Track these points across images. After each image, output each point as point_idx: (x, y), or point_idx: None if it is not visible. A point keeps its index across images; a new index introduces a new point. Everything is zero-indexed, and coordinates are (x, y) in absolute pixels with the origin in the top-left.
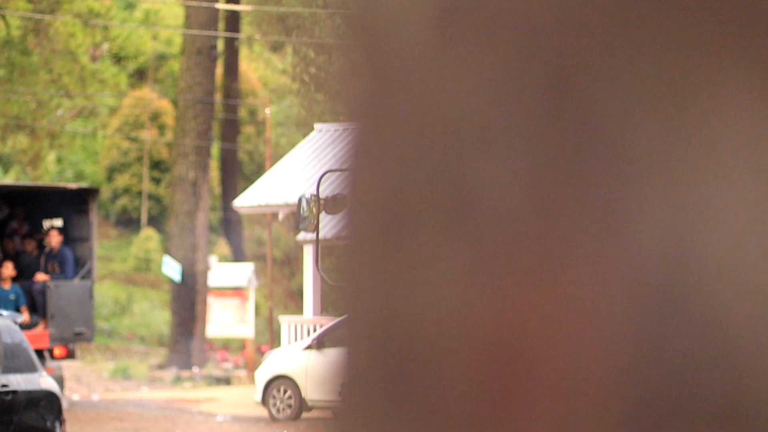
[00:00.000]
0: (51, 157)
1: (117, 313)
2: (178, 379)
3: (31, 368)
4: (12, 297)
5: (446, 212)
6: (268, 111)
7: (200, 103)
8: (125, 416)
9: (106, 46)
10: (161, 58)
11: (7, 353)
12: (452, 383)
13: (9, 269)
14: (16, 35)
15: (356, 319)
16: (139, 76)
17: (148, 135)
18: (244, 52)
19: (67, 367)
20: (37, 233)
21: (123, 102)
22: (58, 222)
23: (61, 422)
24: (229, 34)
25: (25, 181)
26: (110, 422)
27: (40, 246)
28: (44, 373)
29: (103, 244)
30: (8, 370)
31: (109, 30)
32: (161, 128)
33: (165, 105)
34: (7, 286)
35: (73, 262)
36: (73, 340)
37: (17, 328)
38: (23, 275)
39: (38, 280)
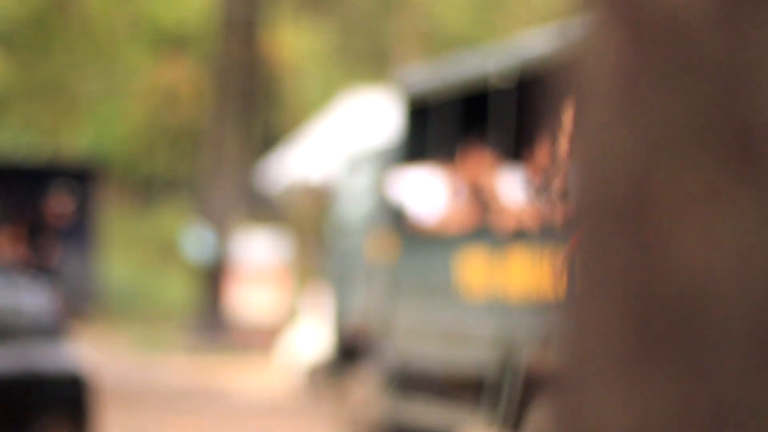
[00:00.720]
0: (78, 130)
1: (140, 290)
2: (203, 358)
3: (59, 345)
4: None
5: (727, 157)
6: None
7: (237, 75)
8: (150, 395)
9: (135, 21)
10: (192, 32)
11: (37, 328)
12: (732, 342)
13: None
14: (43, 11)
15: (600, 284)
16: (173, 46)
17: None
18: (278, 25)
19: (93, 341)
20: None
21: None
22: (59, 201)
23: (90, 399)
24: (264, 8)
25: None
26: (137, 403)
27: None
28: (74, 350)
29: (128, 219)
30: (35, 345)
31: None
32: (193, 102)
33: (198, 78)
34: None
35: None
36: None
37: (48, 303)
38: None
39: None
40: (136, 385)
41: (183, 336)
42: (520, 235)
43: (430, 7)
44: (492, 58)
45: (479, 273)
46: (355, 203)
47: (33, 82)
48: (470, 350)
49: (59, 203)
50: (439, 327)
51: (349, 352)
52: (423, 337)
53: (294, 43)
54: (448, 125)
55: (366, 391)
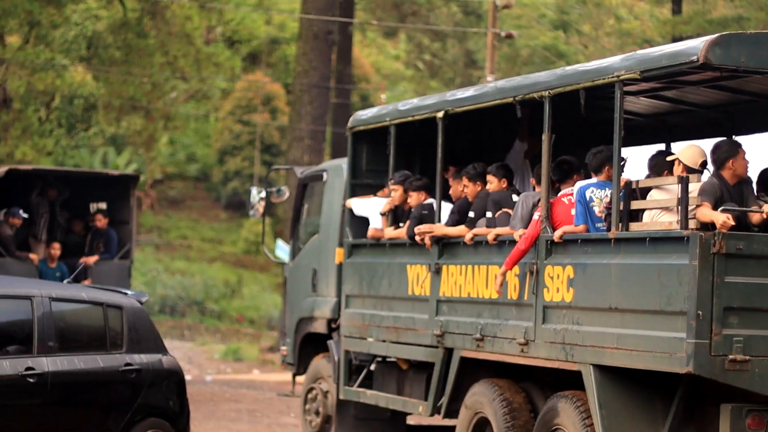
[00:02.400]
0: (164, 139)
1: (227, 296)
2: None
3: (154, 348)
4: (58, 275)
5: None
6: (383, 97)
7: (316, 88)
8: (240, 397)
9: (219, 30)
10: (274, 42)
11: (132, 332)
12: None
13: (56, 249)
14: (133, 17)
15: None
16: (252, 60)
17: (260, 119)
18: (357, 38)
19: (179, 347)
20: (85, 215)
21: (236, 86)
22: (103, 205)
23: (184, 403)
24: (344, 20)
25: (73, 167)
26: (225, 403)
27: (87, 227)
28: (168, 353)
29: (213, 226)
30: (132, 349)
31: (224, 14)
32: (273, 112)
33: (277, 89)
34: (54, 264)
35: (116, 242)
36: None
37: (142, 307)
38: (70, 254)
39: (88, 262)
40: (226, 385)
41: (267, 337)
42: (450, 245)
43: (517, 19)
44: (424, 103)
45: (418, 276)
46: (315, 212)
47: (119, 94)
48: (413, 342)
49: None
50: (385, 321)
51: (308, 343)
52: (372, 330)
53: (379, 54)
54: (386, 156)
55: (323, 380)
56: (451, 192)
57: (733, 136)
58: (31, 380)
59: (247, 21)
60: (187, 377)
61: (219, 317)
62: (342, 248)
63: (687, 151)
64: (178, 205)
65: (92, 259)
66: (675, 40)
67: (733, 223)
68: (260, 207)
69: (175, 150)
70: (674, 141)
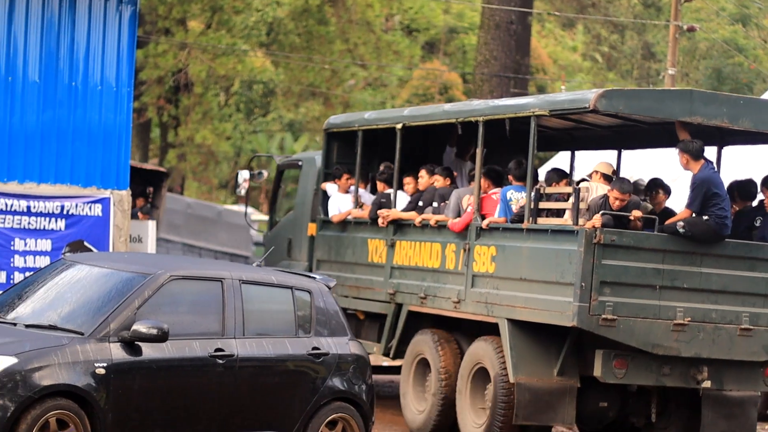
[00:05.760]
0: None
1: None
2: None
3: (341, 332)
4: None
5: None
6: (563, 88)
7: (496, 78)
8: None
9: (397, 18)
10: (452, 31)
11: (319, 316)
12: None
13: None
14: (314, 5)
15: None
16: (429, 48)
17: None
18: (535, 28)
19: None
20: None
21: (413, 74)
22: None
23: (369, 387)
24: (524, 10)
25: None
26: None
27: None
28: (354, 338)
29: None
30: (319, 333)
31: (402, 2)
32: (450, 101)
33: (454, 78)
34: None
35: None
36: None
37: (329, 291)
38: None
39: None
40: None
41: None
42: (403, 226)
43: (696, 12)
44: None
45: (377, 248)
46: (298, 195)
47: (299, 80)
48: (370, 298)
49: None
50: (349, 281)
51: None
52: (337, 288)
53: (556, 45)
54: (354, 153)
55: None
56: (405, 188)
57: (622, 150)
58: (220, 361)
59: (425, 9)
60: None
61: None
62: (314, 223)
63: (602, 165)
64: None
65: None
66: None
67: (598, 225)
68: (245, 186)
69: None
70: (577, 150)
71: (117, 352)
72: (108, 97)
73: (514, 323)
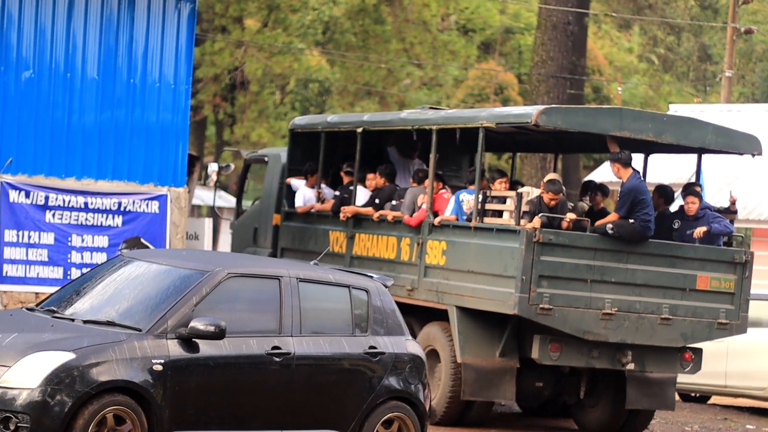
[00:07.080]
0: None
1: None
2: None
3: (398, 331)
4: None
5: None
6: (620, 89)
7: (553, 78)
8: None
9: (453, 18)
10: (508, 31)
11: (376, 315)
12: None
13: None
14: (371, 4)
15: None
16: (485, 48)
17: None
18: (591, 29)
19: None
20: None
21: (468, 74)
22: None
23: (425, 387)
24: (581, 11)
25: None
26: None
27: None
28: (410, 337)
29: None
30: (376, 332)
31: (459, 1)
32: (505, 101)
33: (510, 78)
34: None
35: None
36: None
37: (386, 290)
38: None
39: None
40: None
41: None
42: (362, 220)
43: (753, 15)
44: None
45: (337, 239)
46: (264, 187)
47: (355, 79)
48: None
49: None
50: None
51: None
52: None
53: (612, 47)
54: (317, 152)
55: None
56: (367, 183)
57: (559, 154)
58: (277, 359)
59: (482, 9)
60: None
61: None
62: (279, 214)
63: (551, 174)
64: None
65: None
66: None
67: (537, 226)
68: (214, 177)
69: None
70: (519, 152)
71: (174, 348)
72: (166, 95)
73: (461, 310)
